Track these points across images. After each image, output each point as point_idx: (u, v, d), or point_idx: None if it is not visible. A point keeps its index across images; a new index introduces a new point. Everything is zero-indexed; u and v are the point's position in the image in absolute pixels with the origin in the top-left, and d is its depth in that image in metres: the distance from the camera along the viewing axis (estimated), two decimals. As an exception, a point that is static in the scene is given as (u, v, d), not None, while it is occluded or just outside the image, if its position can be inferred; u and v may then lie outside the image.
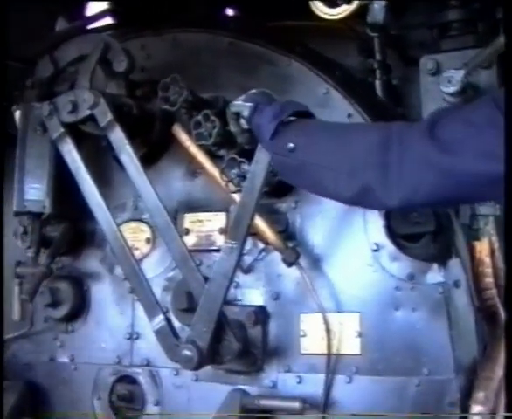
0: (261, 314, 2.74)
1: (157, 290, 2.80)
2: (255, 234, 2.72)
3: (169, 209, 2.64)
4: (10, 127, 2.94)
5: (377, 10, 2.73)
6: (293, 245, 2.70)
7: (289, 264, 2.66)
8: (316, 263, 2.71)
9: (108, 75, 2.81)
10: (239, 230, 2.46)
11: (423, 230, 2.54)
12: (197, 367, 2.49)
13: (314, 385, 2.65)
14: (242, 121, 2.47)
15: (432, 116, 2.08)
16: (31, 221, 2.87)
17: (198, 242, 2.91)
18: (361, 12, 2.72)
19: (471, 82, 2.64)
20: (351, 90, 2.78)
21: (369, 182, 2.07)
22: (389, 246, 2.62)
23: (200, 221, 2.91)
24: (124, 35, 3.09)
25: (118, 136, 2.66)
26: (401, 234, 2.60)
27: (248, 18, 3.67)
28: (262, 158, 2.40)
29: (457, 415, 2.48)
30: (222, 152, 2.66)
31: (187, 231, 2.91)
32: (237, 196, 2.62)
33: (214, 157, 2.77)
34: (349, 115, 2.71)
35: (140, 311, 2.80)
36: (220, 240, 2.83)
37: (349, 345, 2.63)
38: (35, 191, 2.84)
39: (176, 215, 2.90)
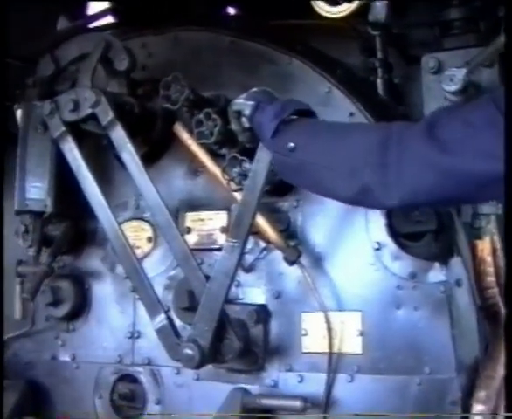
0: (263, 313, 2.74)
1: (159, 289, 2.80)
2: (257, 233, 2.72)
3: (170, 207, 2.64)
4: (12, 125, 2.94)
5: (379, 9, 2.73)
6: (294, 244, 2.69)
7: (291, 263, 2.65)
8: (318, 261, 2.71)
9: (110, 74, 2.81)
10: (241, 229, 2.46)
11: (425, 229, 2.54)
12: (199, 365, 2.49)
13: (315, 384, 2.65)
14: (243, 120, 2.47)
15: (432, 116, 2.08)
16: (33, 220, 2.87)
17: (200, 241, 2.90)
18: (362, 11, 2.72)
19: (473, 81, 2.63)
20: (353, 89, 2.77)
21: (368, 182, 2.07)
22: (390, 245, 2.61)
23: (201, 220, 2.91)
24: (125, 34, 3.09)
25: (119, 135, 2.66)
26: (403, 233, 2.60)
27: (249, 17, 3.68)
28: (263, 157, 2.40)
29: (458, 414, 2.48)
30: (223, 150, 2.66)
31: (188, 230, 2.91)
32: (238, 195, 2.62)
33: (215, 156, 2.76)
34: (351, 114, 2.70)
35: (141, 310, 2.81)
36: (222, 239, 2.82)
37: (351, 344, 2.63)
38: (36, 190, 2.84)
39: (177, 213, 2.90)
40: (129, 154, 2.64)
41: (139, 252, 2.91)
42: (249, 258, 2.80)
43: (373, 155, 2.07)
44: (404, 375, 2.55)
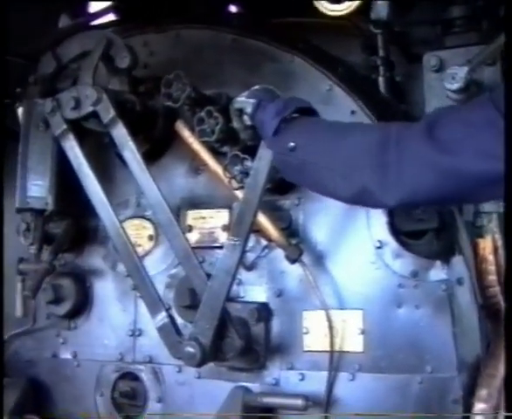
0: (264, 311, 2.74)
1: (160, 287, 2.79)
2: (258, 231, 2.72)
3: (171, 205, 2.64)
4: (13, 123, 2.94)
5: (381, 7, 2.72)
6: (296, 242, 2.69)
7: (292, 261, 2.65)
8: (319, 260, 2.71)
9: (111, 71, 2.80)
10: (242, 227, 2.46)
11: (426, 227, 2.54)
12: (200, 363, 2.49)
13: (316, 382, 2.65)
14: (245, 118, 2.48)
15: (431, 116, 2.08)
16: (34, 217, 2.87)
17: (201, 239, 2.90)
18: (364, 9, 2.71)
19: (475, 79, 2.63)
20: (354, 87, 2.77)
21: (368, 182, 2.07)
22: (392, 243, 2.61)
23: (203, 218, 2.91)
24: (127, 31, 3.08)
25: (121, 133, 2.66)
26: (404, 231, 2.60)
27: (251, 15, 3.67)
28: (265, 155, 2.40)
29: (460, 414, 2.47)
30: (225, 148, 2.66)
31: (190, 228, 2.91)
32: (240, 193, 2.61)
33: (217, 154, 2.76)
34: (353, 112, 2.70)
35: (142, 308, 2.80)
36: (223, 237, 2.82)
37: (352, 342, 2.63)
38: (37, 188, 2.84)
39: (178, 211, 2.90)
40: (131, 151, 2.64)
41: (140, 250, 2.91)
42: (250, 256, 2.79)
43: (373, 155, 2.07)
44: (406, 374, 2.55)
